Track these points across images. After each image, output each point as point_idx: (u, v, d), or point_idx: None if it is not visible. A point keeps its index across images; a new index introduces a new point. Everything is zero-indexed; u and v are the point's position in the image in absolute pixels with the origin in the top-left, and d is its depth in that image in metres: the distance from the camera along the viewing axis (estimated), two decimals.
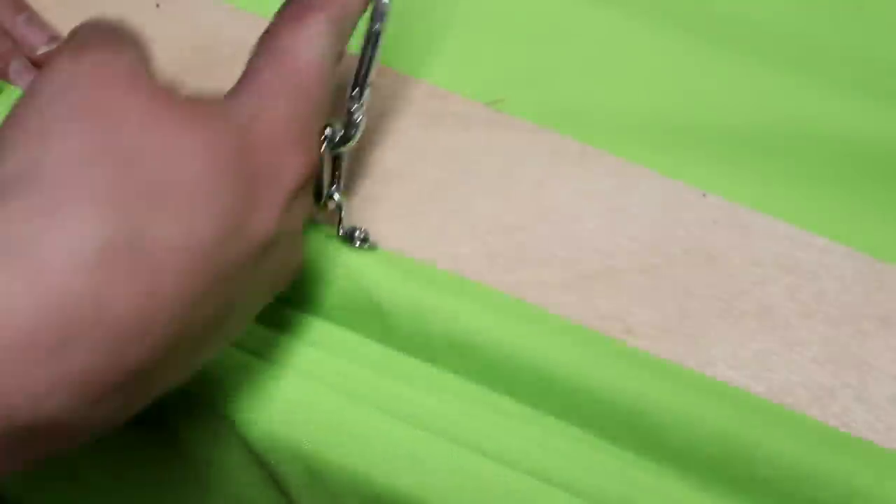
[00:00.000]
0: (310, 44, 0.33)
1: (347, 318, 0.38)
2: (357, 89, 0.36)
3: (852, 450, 0.35)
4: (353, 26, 0.35)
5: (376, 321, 0.37)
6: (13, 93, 0.41)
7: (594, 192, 0.41)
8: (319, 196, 0.37)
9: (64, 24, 0.43)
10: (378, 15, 0.37)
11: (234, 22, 0.45)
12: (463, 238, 0.40)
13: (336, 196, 0.37)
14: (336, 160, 0.37)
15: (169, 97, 0.29)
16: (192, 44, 0.44)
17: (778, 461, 0.34)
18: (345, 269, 0.37)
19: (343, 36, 0.34)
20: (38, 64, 0.42)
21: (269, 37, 0.33)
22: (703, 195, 0.41)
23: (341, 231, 0.38)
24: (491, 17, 0.47)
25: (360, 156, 0.42)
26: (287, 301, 0.38)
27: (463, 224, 0.40)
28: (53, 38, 0.43)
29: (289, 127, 0.31)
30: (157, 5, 0.45)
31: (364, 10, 0.36)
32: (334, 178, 0.37)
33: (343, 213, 0.38)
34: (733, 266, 0.40)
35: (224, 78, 0.43)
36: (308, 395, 0.36)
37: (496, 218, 0.40)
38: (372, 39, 0.36)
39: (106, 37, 0.29)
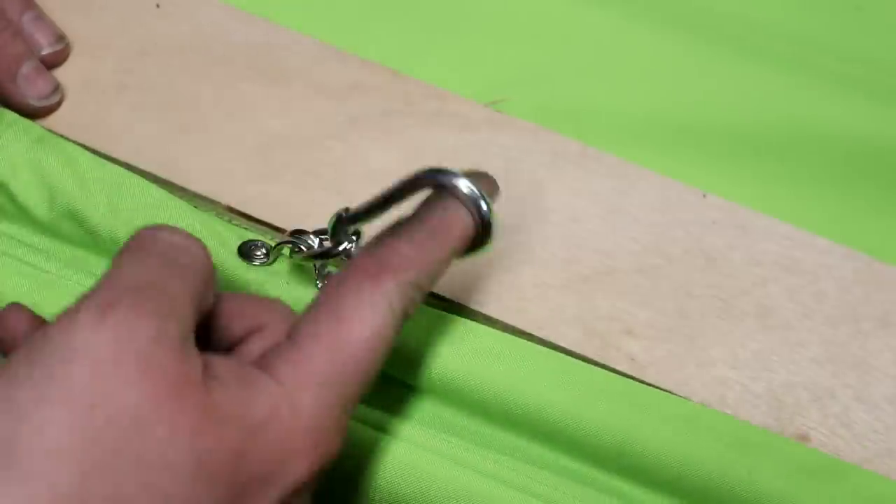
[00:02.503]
0: (373, 315, 0.29)
1: None
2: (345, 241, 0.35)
3: (840, 478, 0.35)
4: (432, 285, 0.31)
5: None
6: (9, 118, 0.41)
7: (594, 193, 0.41)
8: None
9: (66, 24, 0.43)
10: (477, 245, 0.32)
11: (234, 22, 0.45)
12: None
13: (303, 246, 0.37)
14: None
15: (180, 392, 0.26)
16: (192, 44, 0.44)
17: (766, 490, 0.34)
18: None
19: (416, 303, 0.30)
20: (46, 63, 0.42)
21: (331, 290, 0.30)
22: (703, 195, 0.41)
23: (319, 283, 0.38)
24: (491, 17, 0.47)
25: (360, 156, 0.42)
26: None
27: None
28: (60, 37, 0.43)
29: (309, 429, 0.28)
30: (157, 5, 0.45)
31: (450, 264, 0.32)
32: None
33: (317, 262, 0.38)
34: (733, 266, 0.40)
35: (224, 77, 0.43)
36: None
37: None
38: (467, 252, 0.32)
39: (142, 294, 0.26)
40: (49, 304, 0.37)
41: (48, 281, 0.38)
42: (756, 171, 0.43)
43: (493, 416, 0.37)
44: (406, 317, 0.30)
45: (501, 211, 0.40)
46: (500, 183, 0.41)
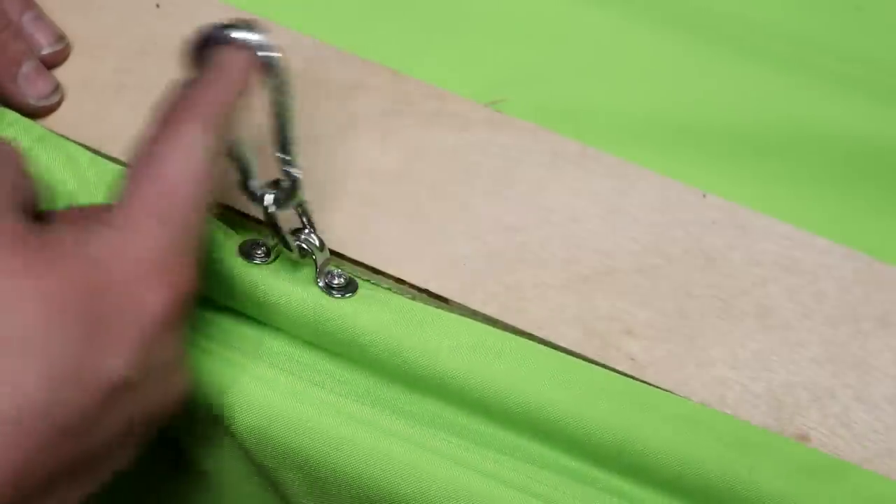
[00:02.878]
0: (185, 157, 0.32)
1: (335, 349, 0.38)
2: (284, 153, 0.35)
3: (840, 478, 0.35)
4: (231, 120, 0.34)
5: (357, 354, 0.37)
6: (9, 118, 0.41)
7: (594, 193, 0.41)
8: (287, 247, 0.37)
9: (65, 24, 0.43)
10: (277, 85, 0.34)
11: None
12: (463, 238, 0.40)
13: (307, 245, 0.37)
14: (301, 212, 0.37)
15: (15, 241, 0.28)
16: None
17: (766, 489, 0.34)
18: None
19: (221, 136, 0.33)
20: (46, 63, 0.42)
21: (142, 146, 0.32)
22: (703, 195, 0.41)
23: (320, 282, 0.38)
24: (490, 17, 0.47)
25: (360, 156, 0.42)
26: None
27: (463, 224, 0.40)
28: (60, 37, 0.43)
29: (153, 261, 0.30)
30: (157, 5, 0.45)
31: (242, 99, 0.34)
32: (303, 229, 0.37)
33: (318, 259, 0.38)
34: (733, 266, 0.40)
35: None
36: (303, 405, 0.36)
37: (496, 218, 0.40)
38: (280, 109, 0.34)
39: None
40: None
41: None
42: (756, 171, 0.43)
43: (493, 416, 0.37)
44: (217, 151, 0.33)
45: (501, 210, 0.40)
46: (500, 183, 0.41)
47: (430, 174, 0.41)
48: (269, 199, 0.36)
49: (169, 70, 0.43)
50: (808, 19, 0.48)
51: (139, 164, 0.32)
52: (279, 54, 0.34)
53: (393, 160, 0.41)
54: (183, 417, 0.38)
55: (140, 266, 0.30)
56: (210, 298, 0.39)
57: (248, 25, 0.34)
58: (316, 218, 0.38)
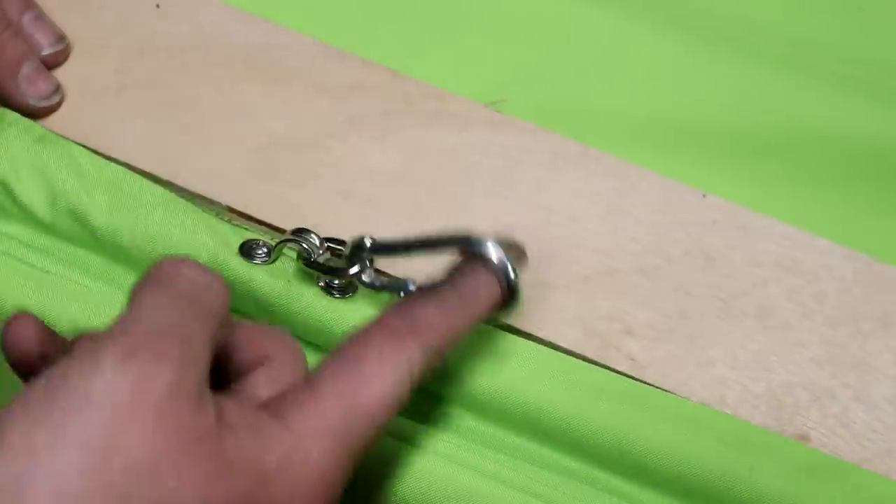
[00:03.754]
0: (393, 375, 0.29)
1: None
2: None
3: (840, 478, 0.35)
4: (451, 349, 0.32)
5: None
6: (10, 118, 0.41)
7: (594, 193, 0.41)
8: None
9: (65, 24, 0.43)
10: (503, 311, 0.33)
11: (234, 22, 0.45)
12: None
13: (306, 244, 0.37)
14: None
15: (193, 443, 0.26)
16: (192, 43, 0.44)
17: (766, 489, 0.34)
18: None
19: (431, 369, 0.31)
20: (46, 63, 0.42)
21: (355, 344, 0.30)
22: (703, 196, 0.41)
23: (321, 282, 0.37)
24: (490, 17, 0.47)
25: (360, 156, 0.42)
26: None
27: (463, 224, 0.40)
28: (60, 37, 0.43)
29: (319, 476, 0.28)
30: (157, 5, 0.45)
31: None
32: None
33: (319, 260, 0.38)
34: (733, 267, 0.40)
35: (224, 77, 0.43)
36: None
37: (496, 218, 0.40)
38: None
39: (163, 339, 0.26)
40: (50, 304, 0.37)
41: (49, 281, 0.38)
42: (756, 171, 0.43)
43: (493, 416, 0.37)
44: (422, 378, 0.30)
45: (501, 210, 0.40)
46: (500, 183, 0.41)
47: (430, 174, 0.41)
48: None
49: (169, 70, 0.43)
50: (808, 20, 0.48)
51: (343, 364, 0.29)
52: (520, 287, 0.33)
53: (393, 160, 0.42)
54: None
55: (303, 483, 0.28)
56: None
57: (514, 253, 0.33)
58: (316, 218, 0.38)
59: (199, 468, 0.25)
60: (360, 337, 0.30)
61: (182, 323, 0.27)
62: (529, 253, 0.39)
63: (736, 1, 0.48)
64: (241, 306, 0.38)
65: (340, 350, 0.30)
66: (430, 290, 0.32)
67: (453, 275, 0.33)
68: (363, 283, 0.36)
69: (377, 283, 0.36)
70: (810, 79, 0.45)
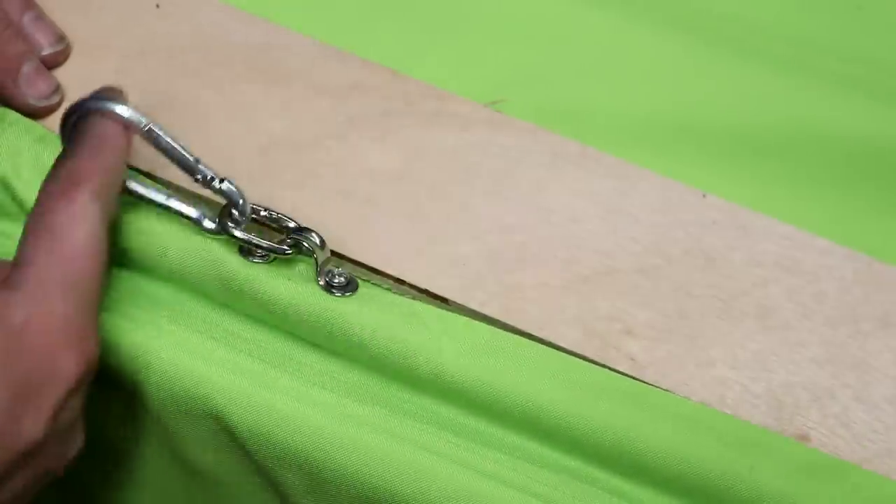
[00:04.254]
0: (80, 224, 0.33)
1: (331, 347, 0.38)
2: (195, 174, 0.37)
3: (840, 478, 0.35)
4: (120, 185, 0.36)
5: (357, 354, 0.38)
6: (10, 117, 0.41)
7: (594, 193, 0.41)
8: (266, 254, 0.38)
9: (65, 25, 0.43)
10: (152, 139, 0.36)
11: (234, 22, 0.45)
12: (463, 238, 0.40)
13: (308, 243, 0.37)
14: (271, 220, 0.38)
15: None
16: (192, 44, 0.44)
17: (766, 489, 0.34)
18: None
19: (112, 201, 0.35)
20: (46, 63, 0.42)
21: (37, 218, 0.33)
22: (703, 196, 0.41)
23: (320, 281, 0.38)
24: (490, 17, 0.47)
25: (360, 156, 0.42)
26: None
27: (463, 224, 0.40)
28: (60, 37, 0.43)
29: (63, 327, 0.32)
30: (157, 5, 0.45)
31: (126, 165, 0.36)
32: (296, 227, 0.38)
33: (318, 258, 0.37)
34: (733, 267, 0.40)
35: (224, 77, 0.43)
36: (303, 405, 0.36)
37: (496, 218, 0.40)
38: (167, 152, 0.37)
39: None
40: None
41: None
42: (756, 171, 0.43)
43: (493, 416, 0.37)
44: (108, 217, 0.34)
45: (501, 210, 0.40)
46: (500, 183, 0.41)
47: (430, 174, 0.41)
48: (230, 226, 0.37)
49: (169, 70, 0.43)
50: (808, 20, 0.48)
51: (37, 236, 0.33)
52: (128, 111, 0.36)
53: (393, 160, 0.42)
54: (183, 418, 0.38)
55: (51, 336, 0.31)
56: (210, 297, 0.39)
57: (108, 94, 0.36)
58: (317, 218, 0.38)
59: None
60: (35, 212, 0.33)
61: None
62: (529, 252, 0.39)
63: (736, 1, 0.48)
64: (240, 305, 0.38)
65: (28, 229, 0.33)
66: (64, 151, 0.35)
67: (77, 134, 0.36)
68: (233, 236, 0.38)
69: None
70: (810, 79, 0.45)
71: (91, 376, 0.33)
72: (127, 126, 0.36)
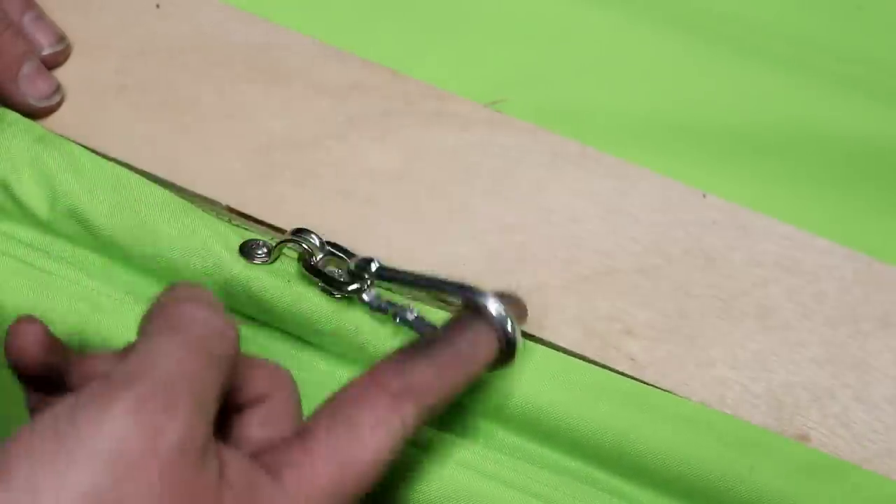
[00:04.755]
0: (387, 436, 0.29)
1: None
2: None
3: (840, 478, 0.35)
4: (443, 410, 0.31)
5: (357, 354, 0.38)
6: (10, 118, 0.41)
7: (594, 193, 0.41)
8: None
9: (65, 25, 0.43)
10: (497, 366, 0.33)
11: (234, 22, 0.45)
12: (463, 238, 0.40)
13: (306, 245, 0.37)
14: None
15: (194, 497, 0.25)
16: (192, 44, 0.44)
17: (766, 489, 0.34)
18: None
19: (426, 422, 0.31)
20: (46, 64, 0.42)
21: (349, 397, 0.30)
22: (703, 196, 0.41)
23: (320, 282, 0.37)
24: (490, 17, 0.47)
25: (360, 156, 0.42)
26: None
27: (463, 224, 0.40)
28: (60, 37, 0.43)
29: None
30: (157, 5, 0.45)
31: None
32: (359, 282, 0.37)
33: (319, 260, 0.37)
34: (733, 267, 0.40)
35: (224, 77, 0.43)
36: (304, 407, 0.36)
37: (496, 218, 0.40)
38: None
39: (176, 389, 0.26)
40: (50, 304, 0.37)
41: (49, 281, 0.38)
42: (756, 171, 0.43)
43: (493, 416, 0.37)
44: (413, 434, 0.30)
45: (501, 210, 0.40)
46: (500, 183, 0.41)
47: (430, 174, 0.41)
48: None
49: (169, 70, 0.43)
50: (808, 19, 0.48)
51: (337, 422, 0.29)
52: (518, 342, 0.32)
53: (393, 160, 0.42)
54: None
55: None
56: None
57: (510, 303, 0.33)
58: (317, 218, 0.38)
59: None
60: (355, 394, 0.30)
61: (196, 373, 0.27)
62: (529, 252, 0.39)
63: (736, 1, 0.48)
64: (240, 307, 0.38)
65: (334, 405, 0.30)
66: (427, 344, 0.31)
67: (452, 328, 0.32)
68: (361, 301, 0.36)
69: (375, 304, 0.36)
70: (810, 79, 0.45)
71: None
72: (500, 342, 0.32)
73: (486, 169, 0.42)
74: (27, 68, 0.41)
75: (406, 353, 0.31)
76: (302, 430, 0.29)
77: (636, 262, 0.39)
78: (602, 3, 0.47)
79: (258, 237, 0.39)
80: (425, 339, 0.32)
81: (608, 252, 0.40)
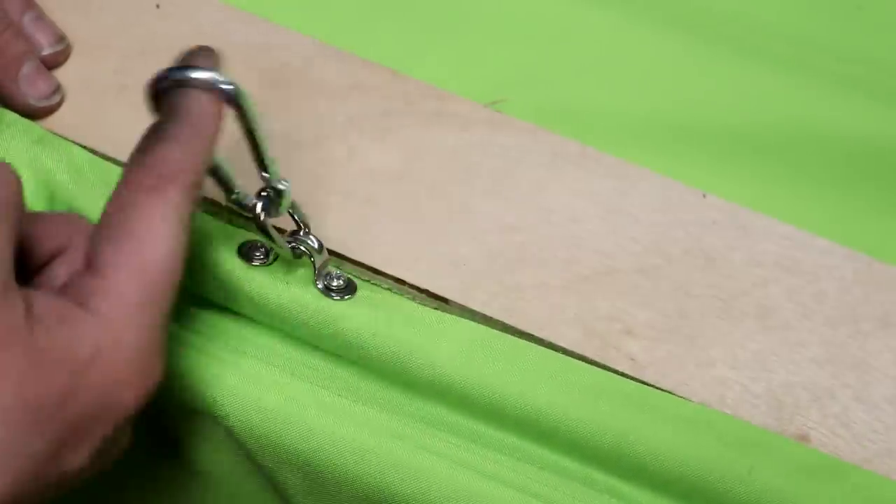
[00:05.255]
0: (169, 230, 0.30)
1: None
2: (265, 171, 0.35)
3: (840, 478, 0.35)
4: (205, 174, 0.32)
5: (357, 356, 0.38)
6: (9, 118, 0.41)
7: (594, 193, 0.41)
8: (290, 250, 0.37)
9: (65, 25, 0.43)
10: (244, 114, 0.33)
11: (234, 22, 0.45)
12: (463, 238, 0.40)
13: (304, 247, 0.37)
14: (295, 215, 0.37)
15: (4, 341, 0.26)
16: (192, 44, 0.44)
17: (766, 489, 0.34)
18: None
19: (196, 203, 0.31)
20: (46, 64, 0.42)
21: (118, 214, 0.30)
22: (703, 196, 0.41)
23: (319, 284, 0.37)
24: (490, 17, 0.47)
25: (360, 156, 0.42)
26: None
27: (463, 224, 0.40)
28: (60, 37, 0.43)
29: (130, 359, 0.29)
30: (157, 6, 0.45)
31: (214, 147, 0.32)
32: (299, 231, 0.37)
33: (316, 261, 0.37)
34: (733, 267, 0.40)
35: None
36: (303, 407, 0.36)
37: (496, 218, 0.40)
38: (251, 134, 0.33)
39: None
40: None
41: None
42: (756, 171, 0.43)
43: (493, 416, 0.37)
44: (193, 213, 0.31)
45: (501, 210, 0.40)
46: (500, 183, 0.41)
47: (430, 174, 0.41)
48: (259, 207, 0.36)
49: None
50: (808, 19, 0.48)
51: (117, 241, 0.29)
52: (236, 86, 0.32)
53: (393, 160, 0.42)
54: (184, 418, 0.38)
55: (117, 370, 0.29)
56: (209, 300, 0.39)
57: (205, 61, 0.33)
58: (316, 218, 0.38)
59: (14, 367, 0.26)
60: (120, 204, 0.30)
61: None
62: (529, 252, 0.39)
63: (736, 1, 0.48)
64: (239, 307, 0.38)
65: (108, 221, 0.30)
66: (157, 129, 0.31)
67: (170, 107, 0.32)
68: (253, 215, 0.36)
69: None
70: (810, 79, 0.45)
71: (149, 400, 0.30)
72: (219, 98, 0.32)
73: (486, 169, 0.42)
74: (27, 68, 0.41)
75: (145, 147, 0.31)
76: (91, 259, 0.29)
77: (636, 262, 0.39)
78: (602, 3, 0.47)
79: (257, 238, 0.39)
80: (153, 127, 0.32)
81: (608, 252, 0.40)
